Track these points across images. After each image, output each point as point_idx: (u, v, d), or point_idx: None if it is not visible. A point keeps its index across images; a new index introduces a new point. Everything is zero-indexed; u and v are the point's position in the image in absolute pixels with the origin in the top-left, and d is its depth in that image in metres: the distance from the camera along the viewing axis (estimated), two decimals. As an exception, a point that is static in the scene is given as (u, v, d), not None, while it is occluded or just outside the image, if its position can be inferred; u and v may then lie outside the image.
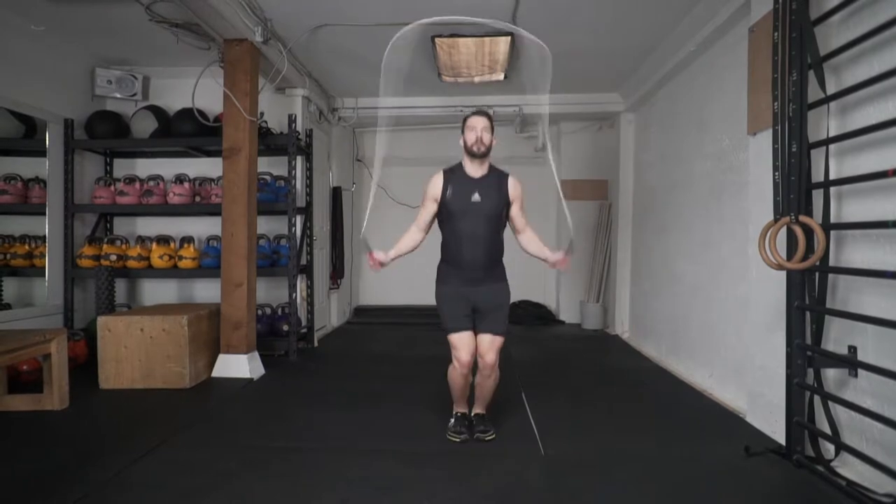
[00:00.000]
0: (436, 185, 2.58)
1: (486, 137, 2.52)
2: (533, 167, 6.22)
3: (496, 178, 2.60)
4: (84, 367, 3.70)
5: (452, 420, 2.70)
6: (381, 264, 2.59)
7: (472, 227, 2.53)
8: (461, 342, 2.53)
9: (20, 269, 4.17)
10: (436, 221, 2.67)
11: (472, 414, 2.74)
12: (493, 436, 2.61)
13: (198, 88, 3.82)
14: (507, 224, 2.68)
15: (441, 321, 2.61)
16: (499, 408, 2.92)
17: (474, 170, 2.57)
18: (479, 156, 2.53)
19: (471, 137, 2.52)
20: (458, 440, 2.58)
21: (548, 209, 6.26)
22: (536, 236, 2.71)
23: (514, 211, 2.64)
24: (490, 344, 2.55)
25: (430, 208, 2.61)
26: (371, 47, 4.13)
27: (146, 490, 2.06)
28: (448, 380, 2.68)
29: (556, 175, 2.97)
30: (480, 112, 2.61)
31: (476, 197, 2.53)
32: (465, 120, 2.58)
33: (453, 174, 2.59)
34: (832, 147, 2.22)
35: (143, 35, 3.88)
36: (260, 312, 4.33)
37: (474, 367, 2.60)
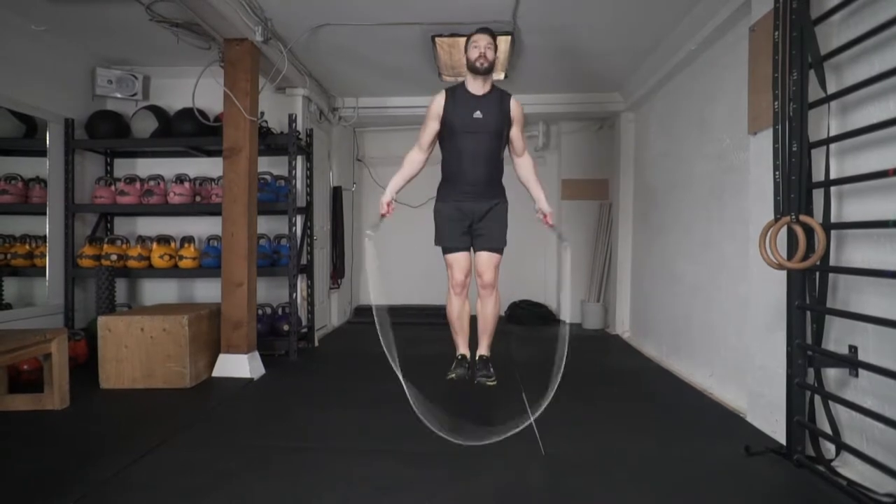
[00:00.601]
0: (438, 102, 2.61)
1: (490, 54, 2.54)
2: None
3: (498, 96, 2.62)
4: (84, 366, 3.71)
5: (454, 363, 2.71)
6: (390, 203, 2.60)
7: (474, 143, 2.56)
8: (456, 261, 2.58)
9: (21, 268, 4.17)
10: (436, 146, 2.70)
11: (477, 356, 2.72)
12: (495, 381, 2.60)
13: (198, 88, 3.82)
14: (507, 147, 2.69)
15: (438, 239, 2.63)
16: (499, 407, 2.92)
17: (477, 87, 2.59)
18: (482, 72, 2.55)
19: (474, 53, 2.54)
20: (453, 376, 2.60)
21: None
22: (533, 167, 2.73)
23: (514, 132, 2.66)
24: (488, 261, 2.58)
25: (432, 127, 2.63)
26: (372, 47, 4.13)
27: (146, 490, 2.06)
28: (447, 314, 2.69)
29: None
30: (484, 29, 2.62)
31: (478, 113, 2.55)
32: (468, 37, 2.60)
33: (455, 92, 2.61)
34: (833, 146, 2.21)
35: (143, 35, 3.88)
36: (260, 312, 4.33)
37: (473, 330, 2.60)
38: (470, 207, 2.58)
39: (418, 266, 5.79)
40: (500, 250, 2.61)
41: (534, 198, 2.70)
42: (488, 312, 2.69)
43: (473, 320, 2.84)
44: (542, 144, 6.10)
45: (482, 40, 2.56)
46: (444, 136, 2.64)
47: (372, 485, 2.09)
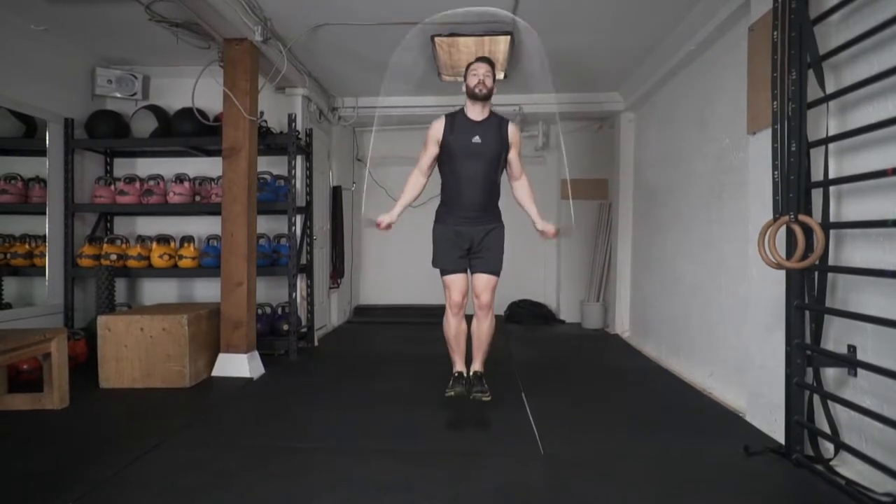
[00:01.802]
0: (437, 128, 2.68)
1: (488, 81, 2.62)
2: (533, 166, 6.23)
3: (496, 122, 2.69)
4: (84, 366, 3.71)
5: (451, 380, 2.78)
6: (389, 225, 2.67)
7: (472, 167, 2.63)
8: (454, 283, 2.65)
9: (20, 268, 4.17)
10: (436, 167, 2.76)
11: (471, 373, 2.80)
12: (490, 396, 2.69)
13: (198, 88, 3.82)
14: (505, 170, 2.77)
15: (436, 261, 2.71)
16: (498, 407, 2.93)
17: (476, 113, 2.67)
18: (480, 98, 2.63)
19: (473, 80, 2.62)
20: (451, 393, 2.68)
21: (548, 208, 6.25)
22: (529, 188, 2.81)
23: (512, 155, 2.74)
24: (486, 283, 2.66)
25: (432, 151, 2.70)
26: (371, 46, 4.13)
27: (146, 489, 2.06)
28: (444, 332, 2.78)
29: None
30: (483, 58, 2.71)
31: (476, 139, 2.62)
32: (467, 66, 2.68)
33: (455, 117, 2.69)
34: (831, 146, 2.22)
35: (143, 35, 3.88)
36: (260, 312, 4.33)
37: (468, 342, 2.70)
38: (468, 231, 2.66)
39: (419, 266, 5.77)
40: (497, 273, 2.69)
41: (532, 218, 2.79)
42: (483, 331, 2.76)
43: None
44: (542, 144, 6.10)
45: (481, 68, 2.63)
46: (443, 161, 2.71)
47: (372, 485, 2.09)
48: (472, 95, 2.64)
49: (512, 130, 2.71)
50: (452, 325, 2.74)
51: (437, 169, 2.84)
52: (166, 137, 4.41)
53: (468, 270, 2.74)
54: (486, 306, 2.67)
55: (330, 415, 2.93)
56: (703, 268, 3.63)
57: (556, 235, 2.68)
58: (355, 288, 6.52)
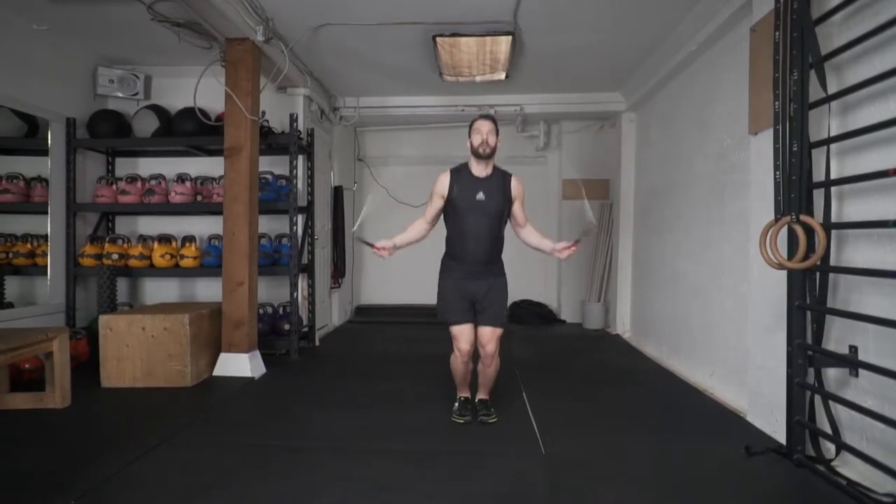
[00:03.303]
0: (443, 182, 2.74)
1: (492, 140, 2.68)
2: (534, 166, 6.24)
3: (500, 178, 2.76)
4: (86, 365, 3.71)
5: (456, 404, 2.90)
6: (389, 250, 2.68)
7: (476, 223, 2.69)
8: (461, 334, 2.73)
9: (22, 267, 4.17)
10: (441, 217, 2.82)
11: (477, 400, 2.93)
12: (495, 419, 2.80)
13: (199, 88, 3.83)
14: (509, 220, 2.83)
15: (442, 314, 2.79)
16: (499, 407, 2.93)
17: (479, 170, 2.73)
18: (484, 157, 2.69)
19: (477, 140, 2.68)
20: (461, 421, 2.78)
21: (549, 207, 6.27)
22: (535, 231, 2.88)
23: (516, 208, 2.80)
24: (490, 336, 2.74)
25: (437, 204, 2.77)
26: (373, 46, 4.14)
27: (147, 488, 2.06)
28: (451, 368, 2.89)
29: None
30: (486, 116, 2.78)
31: (481, 195, 2.69)
32: (471, 123, 2.74)
33: (459, 173, 2.75)
34: (833, 146, 2.21)
35: (144, 34, 3.89)
36: (261, 311, 4.33)
37: (475, 357, 2.79)
38: (473, 286, 2.72)
39: (419, 266, 5.79)
40: (502, 326, 2.77)
41: (547, 251, 2.82)
42: (489, 374, 2.86)
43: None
44: (543, 144, 6.10)
45: (484, 126, 2.68)
46: (448, 215, 2.78)
47: (371, 484, 2.09)
48: (476, 154, 2.69)
49: (514, 185, 2.76)
50: (461, 370, 2.84)
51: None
52: (168, 137, 4.41)
53: (474, 321, 2.79)
54: (491, 355, 2.76)
55: (330, 414, 2.93)
56: (704, 268, 3.63)
57: (577, 246, 2.70)
58: (356, 288, 6.52)
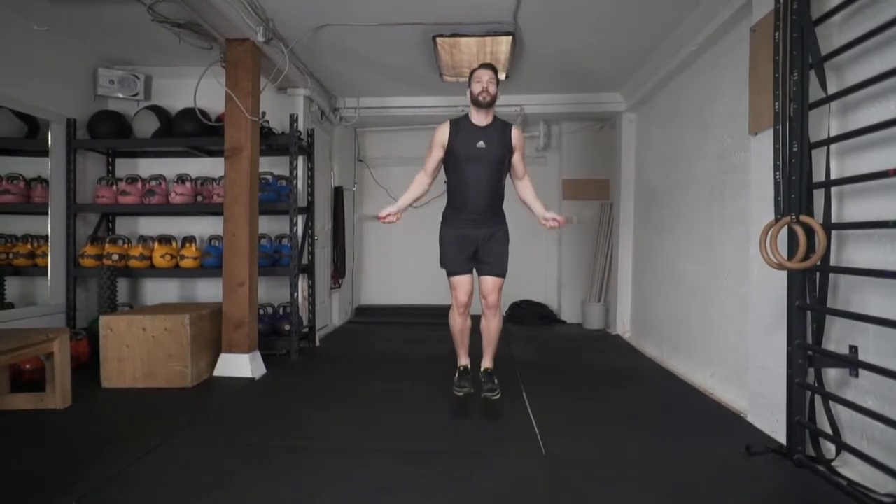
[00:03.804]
0: (443, 132, 2.76)
1: (492, 88, 2.69)
2: (534, 167, 6.22)
3: (500, 127, 2.77)
4: (86, 366, 3.71)
5: (456, 374, 2.89)
6: (393, 215, 2.71)
7: (477, 172, 2.71)
8: (460, 284, 2.75)
9: (23, 268, 4.17)
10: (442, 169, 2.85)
11: (481, 370, 2.89)
12: (499, 395, 2.78)
13: (199, 88, 3.83)
14: (509, 173, 2.85)
15: (443, 263, 2.80)
16: (500, 407, 2.93)
17: (480, 118, 2.75)
18: (484, 105, 2.70)
19: (477, 88, 2.70)
20: (461, 394, 2.78)
21: (549, 208, 6.22)
22: (532, 188, 2.91)
23: (516, 158, 2.82)
24: (493, 285, 2.75)
25: (437, 154, 2.78)
26: (373, 47, 4.14)
27: (147, 488, 2.07)
28: (449, 326, 2.89)
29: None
30: (486, 65, 2.78)
31: (481, 143, 2.71)
32: (471, 73, 2.76)
33: (459, 123, 2.77)
34: (833, 147, 2.22)
35: (145, 35, 3.89)
36: (261, 312, 4.33)
37: (476, 327, 2.80)
38: (473, 234, 2.73)
39: (420, 266, 5.81)
40: (503, 275, 2.77)
41: (536, 213, 2.84)
42: (492, 329, 2.85)
43: (475, 328, 2.97)
44: (544, 145, 6.10)
45: (484, 75, 2.70)
46: (448, 165, 2.79)
47: (372, 484, 2.09)
48: (476, 103, 2.70)
49: (515, 134, 2.77)
50: (458, 323, 2.83)
51: (442, 172, 2.89)
52: (168, 138, 4.42)
53: (474, 272, 2.81)
54: (493, 306, 2.75)
55: (331, 415, 2.93)
56: (705, 268, 3.63)
57: (565, 224, 2.74)
58: (356, 288, 6.52)
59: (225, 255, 3.75)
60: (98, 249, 4.36)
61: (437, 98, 5.42)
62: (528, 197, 2.87)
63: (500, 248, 2.76)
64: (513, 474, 2.20)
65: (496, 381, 2.81)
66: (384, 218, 2.69)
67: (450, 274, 2.75)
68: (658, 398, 3.33)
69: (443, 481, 2.13)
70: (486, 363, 2.89)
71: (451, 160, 2.74)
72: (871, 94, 2.06)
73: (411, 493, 2.03)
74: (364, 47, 4.14)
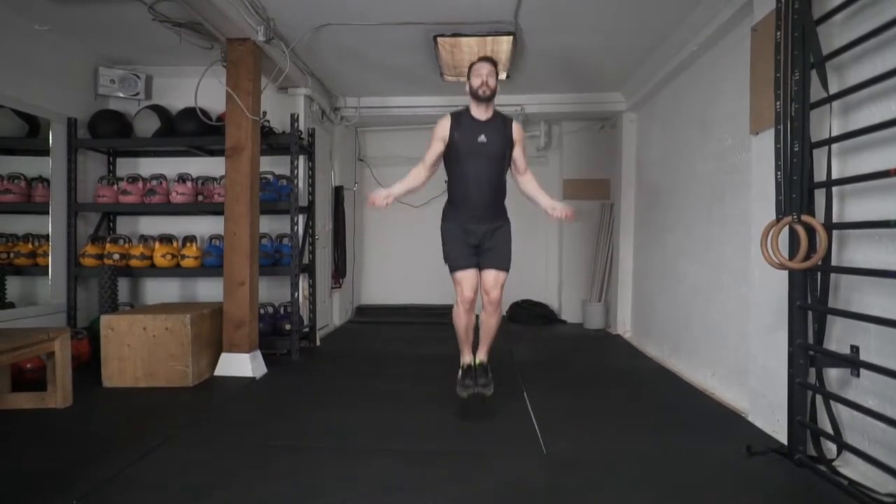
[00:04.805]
0: (444, 126, 2.71)
1: (492, 82, 2.65)
2: (535, 166, 6.19)
3: (501, 121, 2.73)
4: (87, 365, 3.72)
5: (460, 373, 2.84)
6: (383, 199, 2.64)
7: (478, 167, 2.67)
8: (465, 279, 2.69)
9: (24, 267, 4.18)
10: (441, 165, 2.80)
11: (476, 362, 2.85)
12: (492, 390, 2.76)
13: (200, 88, 3.83)
14: (510, 168, 2.81)
15: (446, 258, 2.75)
16: (500, 406, 2.93)
17: (480, 113, 2.71)
18: (484, 99, 2.66)
19: (476, 81, 2.66)
20: (465, 395, 2.74)
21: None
22: (535, 181, 2.87)
23: (517, 153, 2.78)
24: (495, 280, 2.70)
25: (437, 148, 2.73)
26: (374, 47, 4.14)
27: (148, 488, 2.07)
28: (453, 321, 2.84)
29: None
30: (486, 58, 2.74)
31: (482, 138, 2.66)
32: (470, 66, 2.71)
33: (460, 116, 2.72)
34: (834, 146, 2.21)
35: (146, 34, 3.89)
36: (262, 311, 4.33)
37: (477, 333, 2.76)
38: (475, 229, 2.69)
39: (421, 266, 5.80)
40: (506, 269, 2.73)
41: (542, 206, 2.81)
42: (492, 325, 2.82)
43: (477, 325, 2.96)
44: (544, 144, 6.10)
45: (483, 68, 2.65)
46: (449, 160, 2.74)
47: (372, 484, 2.09)
48: (476, 96, 2.67)
49: (516, 128, 2.74)
50: (463, 319, 2.79)
51: (442, 170, 2.86)
52: (169, 137, 4.42)
53: (477, 267, 2.77)
54: (495, 302, 2.71)
55: (331, 414, 2.93)
56: (705, 268, 3.63)
57: (573, 218, 2.71)
58: (357, 288, 6.52)
59: (226, 255, 3.75)
60: (99, 249, 4.36)
61: (438, 98, 5.41)
62: (532, 190, 2.83)
63: (503, 243, 2.72)
64: (513, 474, 2.20)
65: (490, 374, 2.78)
66: (374, 201, 2.62)
67: (453, 269, 2.70)
68: (659, 398, 3.33)
69: (443, 481, 2.13)
70: (482, 356, 2.86)
71: (451, 155, 2.70)
72: (873, 94, 2.06)
73: (412, 493, 2.03)
74: (365, 47, 4.14)
